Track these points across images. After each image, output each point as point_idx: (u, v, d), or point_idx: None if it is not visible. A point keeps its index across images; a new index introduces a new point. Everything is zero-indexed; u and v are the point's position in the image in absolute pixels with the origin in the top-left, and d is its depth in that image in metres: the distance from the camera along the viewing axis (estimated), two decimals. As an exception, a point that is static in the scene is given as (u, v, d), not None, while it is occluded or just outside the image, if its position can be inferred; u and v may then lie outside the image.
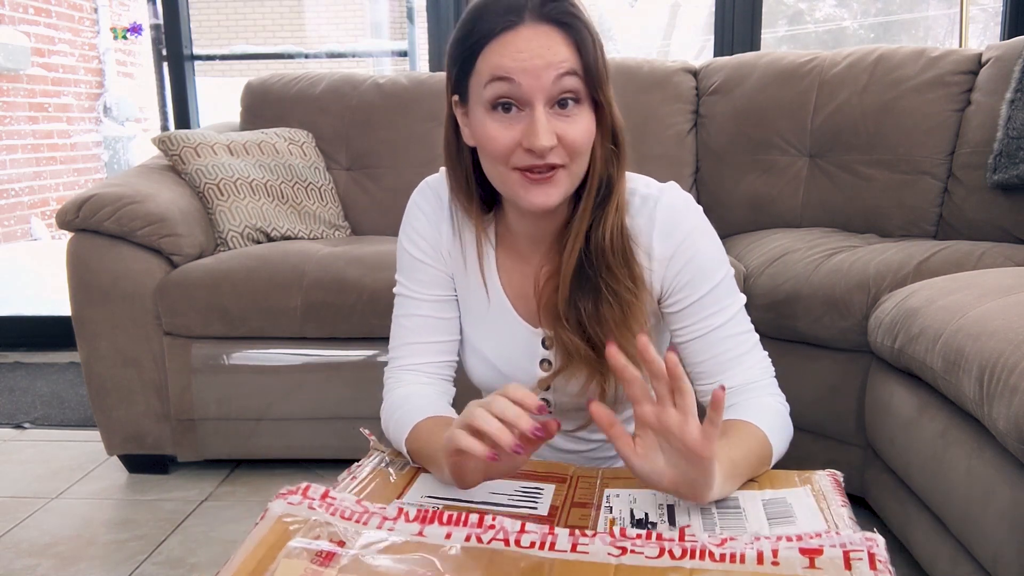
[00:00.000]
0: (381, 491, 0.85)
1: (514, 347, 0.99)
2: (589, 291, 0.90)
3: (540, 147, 0.81)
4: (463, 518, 0.71)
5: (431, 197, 1.00)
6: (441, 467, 0.82)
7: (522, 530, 0.69)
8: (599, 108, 0.86)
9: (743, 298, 0.95)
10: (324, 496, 0.75)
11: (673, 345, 0.96)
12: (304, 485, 0.76)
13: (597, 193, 0.89)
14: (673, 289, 0.92)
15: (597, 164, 0.88)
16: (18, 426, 2.36)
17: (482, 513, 0.72)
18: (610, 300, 0.89)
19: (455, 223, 0.98)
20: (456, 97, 0.90)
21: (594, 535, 0.68)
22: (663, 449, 0.72)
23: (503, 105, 0.83)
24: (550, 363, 0.98)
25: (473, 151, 0.91)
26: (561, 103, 0.83)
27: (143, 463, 2.00)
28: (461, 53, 0.86)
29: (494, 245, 0.99)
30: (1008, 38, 2.45)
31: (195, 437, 1.93)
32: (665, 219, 0.91)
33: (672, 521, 0.76)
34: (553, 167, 0.84)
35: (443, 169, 0.99)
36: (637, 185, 0.94)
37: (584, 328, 0.91)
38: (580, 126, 0.84)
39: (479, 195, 0.95)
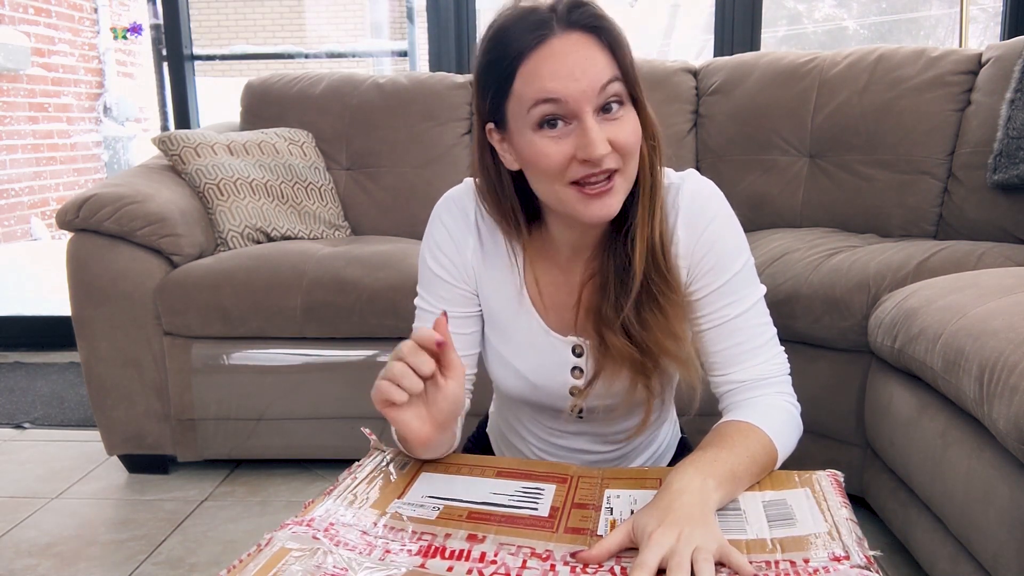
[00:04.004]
0: (382, 491, 0.85)
1: (545, 357, 0.98)
2: (636, 294, 0.90)
3: (597, 156, 0.80)
4: (466, 552, 0.72)
5: (456, 212, 0.97)
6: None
7: (523, 566, 0.70)
8: (638, 106, 0.85)
9: (762, 289, 0.94)
10: (327, 529, 0.75)
11: (693, 336, 0.96)
12: (309, 517, 0.77)
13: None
14: (696, 276, 0.92)
15: (645, 163, 0.87)
16: (18, 426, 2.36)
17: (483, 552, 0.72)
18: (659, 302, 0.89)
19: (482, 238, 0.97)
20: (491, 125, 0.87)
21: (596, 571, 0.69)
22: None
23: (549, 121, 0.82)
24: (581, 371, 0.97)
25: (511, 174, 0.89)
26: (606, 108, 0.82)
27: (143, 463, 2.00)
28: (494, 79, 0.84)
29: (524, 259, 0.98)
30: (1008, 38, 2.45)
31: (195, 437, 1.93)
32: (689, 206, 0.91)
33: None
34: (610, 173, 0.83)
35: (466, 181, 0.98)
36: None
37: (628, 331, 0.90)
38: (629, 127, 0.83)
39: (522, 215, 0.93)
